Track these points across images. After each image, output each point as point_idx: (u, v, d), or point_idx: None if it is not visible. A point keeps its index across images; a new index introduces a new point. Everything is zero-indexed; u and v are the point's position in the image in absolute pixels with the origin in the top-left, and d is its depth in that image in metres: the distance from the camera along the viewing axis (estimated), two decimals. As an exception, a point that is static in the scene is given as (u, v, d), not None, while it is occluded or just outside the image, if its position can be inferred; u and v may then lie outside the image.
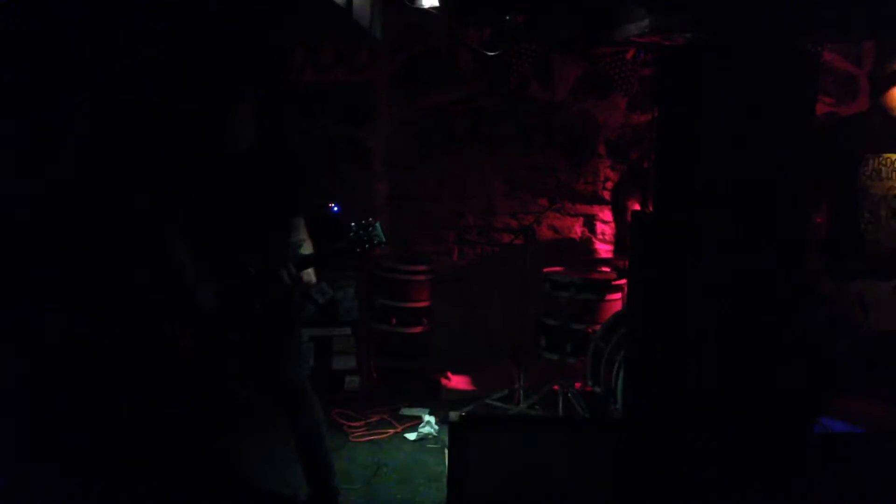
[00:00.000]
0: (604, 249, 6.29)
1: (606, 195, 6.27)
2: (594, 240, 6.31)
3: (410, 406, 5.13)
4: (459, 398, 5.27)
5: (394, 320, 5.63)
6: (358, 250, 3.28)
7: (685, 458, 2.82)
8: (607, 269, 5.55)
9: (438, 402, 5.25)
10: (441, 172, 6.17)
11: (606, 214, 6.28)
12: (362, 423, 4.84)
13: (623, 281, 5.18)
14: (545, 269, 5.49)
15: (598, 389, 4.87)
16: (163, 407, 4.05)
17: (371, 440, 4.61)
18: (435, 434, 4.66)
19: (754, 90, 2.48)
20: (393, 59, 5.91)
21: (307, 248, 3.40)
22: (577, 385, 5.09)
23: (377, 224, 3.30)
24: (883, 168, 3.28)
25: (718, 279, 2.56)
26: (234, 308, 3.29)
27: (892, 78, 3.20)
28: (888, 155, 3.25)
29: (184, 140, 3.59)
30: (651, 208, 2.73)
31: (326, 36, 5.41)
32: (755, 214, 2.53)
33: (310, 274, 3.39)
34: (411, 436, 4.66)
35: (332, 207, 5.37)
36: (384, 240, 3.30)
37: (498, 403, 5.09)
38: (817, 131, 2.92)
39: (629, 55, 5.75)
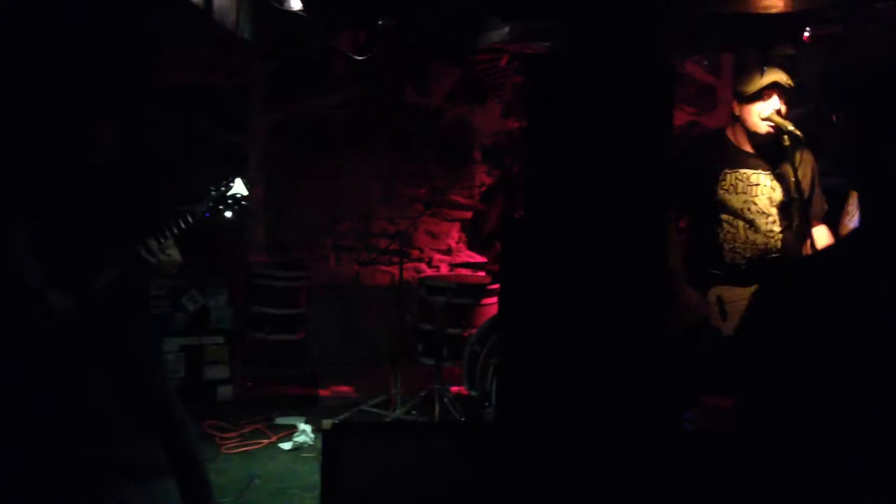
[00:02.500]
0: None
1: (482, 200, 6.38)
2: (471, 245, 6.40)
3: (286, 415, 5.04)
4: (336, 405, 5.23)
5: (269, 328, 5.53)
6: (220, 208, 3.25)
7: (555, 459, 2.87)
8: (483, 274, 5.63)
9: (315, 410, 5.19)
10: (318, 178, 6.11)
11: (483, 219, 6.38)
12: (235, 434, 4.72)
13: (497, 285, 5.26)
14: (422, 275, 5.52)
15: (474, 393, 4.92)
16: (17, 419, 3.82)
17: (244, 451, 4.50)
18: (310, 443, 4.60)
19: (614, 99, 2.55)
20: (268, 63, 5.81)
21: (174, 253, 3.29)
22: (454, 389, 5.13)
23: (238, 179, 3.28)
24: (739, 182, 3.44)
25: (580, 285, 2.62)
26: (87, 316, 3.16)
27: (759, 92, 3.30)
28: (744, 170, 3.42)
29: (40, 148, 3.42)
30: (520, 213, 2.77)
31: (190, 37, 5.26)
32: (616, 220, 2.61)
33: (172, 254, 3.27)
34: (286, 445, 4.58)
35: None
36: (247, 194, 3.31)
37: (375, 410, 5.07)
38: (678, 143, 3.03)
39: (503, 62, 5.86)
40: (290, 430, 4.75)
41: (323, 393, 5.47)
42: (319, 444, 4.46)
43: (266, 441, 4.64)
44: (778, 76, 3.31)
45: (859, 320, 1.31)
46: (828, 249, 1.59)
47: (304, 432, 4.66)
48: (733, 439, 1.51)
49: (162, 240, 3.17)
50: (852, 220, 3.71)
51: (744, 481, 1.44)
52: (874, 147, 1.38)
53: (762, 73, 3.33)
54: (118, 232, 3.22)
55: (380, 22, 3.92)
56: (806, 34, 3.85)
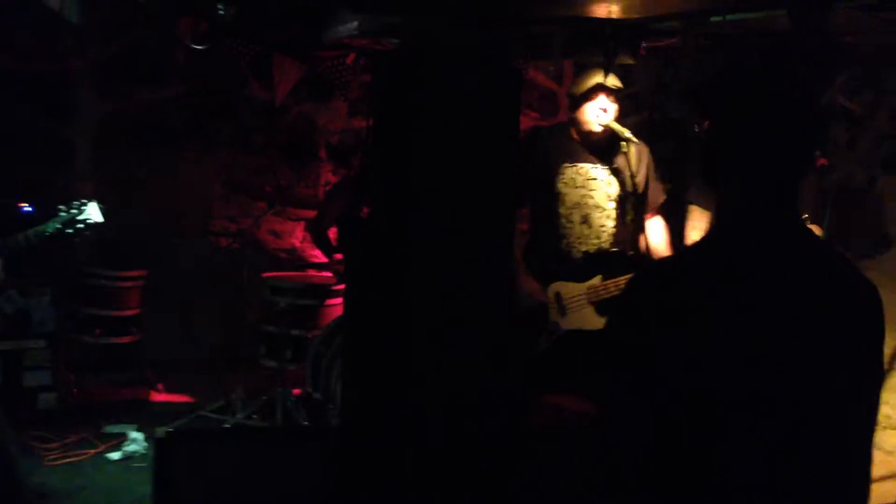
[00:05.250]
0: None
1: (328, 199, 6.28)
2: (316, 244, 6.29)
3: (116, 423, 4.77)
4: (172, 411, 5.00)
5: (98, 331, 5.23)
6: (69, 231, 3.02)
7: (400, 461, 2.84)
8: (328, 274, 5.53)
9: (148, 417, 4.94)
10: (155, 172, 5.83)
11: (327, 219, 6.29)
12: (59, 444, 4.42)
13: (343, 286, 5.19)
14: (264, 275, 5.36)
15: (318, 395, 4.82)
16: None
17: (69, 462, 4.23)
18: (143, 452, 4.38)
19: (459, 100, 2.55)
20: (102, 49, 5.48)
21: None
22: (297, 391, 5.01)
23: (92, 203, 3.07)
24: (578, 176, 3.55)
25: (425, 283, 2.60)
26: None
27: (586, 93, 3.50)
28: (582, 164, 3.53)
29: None
30: (364, 213, 2.73)
31: (7, 19, 4.89)
32: (463, 220, 2.61)
33: None
34: (115, 455, 4.33)
35: (23, 207, 4.87)
36: (102, 220, 3.09)
37: (213, 415, 4.87)
38: (522, 140, 3.10)
39: (349, 59, 5.79)
40: (120, 439, 4.50)
41: (157, 398, 5.24)
42: (152, 454, 4.25)
43: (93, 451, 4.39)
44: (602, 78, 3.52)
45: (722, 316, 1.36)
46: (692, 249, 1.65)
47: (136, 441, 4.43)
48: (601, 433, 1.51)
49: None
50: (698, 232, 3.90)
51: (611, 476, 1.45)
52: (737, 157, 1.43)
53: (588, 75, 3.57)
54: None
55: (220, 11, 3.76)
56: (643, 46, 4.03)
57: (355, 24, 3.89)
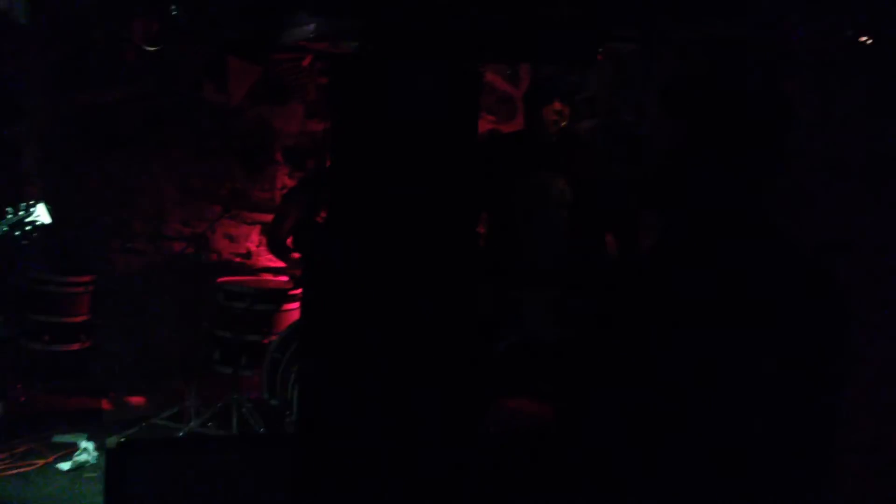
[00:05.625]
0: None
1: (285, 203, 6.22)
2: (272, 248, 6.21)
3: (65, 432, 4.66)
4: (124, 420, 4.90)
5: (47, 338, 5.11)
6: (16, 234, 2.94)
7: (358, 467, 2.82)
8: (285, 278, 5.47)
9: (100, 426, 4.83)
10: (106, 175, 5.71)
11: (284, 223, 6.22)
12: (6, 454, 4.30)
13: (300, 290, 5.14)
14: (220, 279, 5.28)
15: (274, 402, 4.77)
16: None
17: (16, 474, 4.12)
18: (93, 462, 4.28)
19: (419, 103, 2.54)
20: (49, 49, 5.35)
21: None
22: (253, 398, 4.95)
23: (40, 205, 2.99)
24: (534, 183, 3.56)
25: (383, 288, 2.59)
26: None
27: (541, 98, 3.53)
28: (538, 171, 3.54)
29: None
30: (322, 216, 2.70)
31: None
32: (421, 224, 2.60)
33: None
34: (65, 465, 4.23)
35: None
36: (50, 221, 3.01)
37: (167, 423, 4.78)
38: (480, 146, 3.10)
39: (306, 62, 5.74)
40: (70, 449, 4.39)
41: (109, 407, 5.13)
42: (103, 464, 4.16)
43: (42, 461, 4.28)
44: (556, 83, 3.55)
45: (688, 316, 1.37)
46: (660, 254, 1.66)
47: (86, 450, 4.33)
48: (575, 433, 1.51)
49: None
50: (653, 235, 3.93)
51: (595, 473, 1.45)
52: (710, 152, 1.44)
53: (543, 80, 3.60)
54: None
55: (173, 12, 3.70)
56: (599, 51, 4.06)
57: (312, 26, 3.86)
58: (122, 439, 2.99)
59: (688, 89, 1.56)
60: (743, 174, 1.45)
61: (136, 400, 5.30)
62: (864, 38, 3.42)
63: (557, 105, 3.56)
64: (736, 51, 3.67)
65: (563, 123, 3.56)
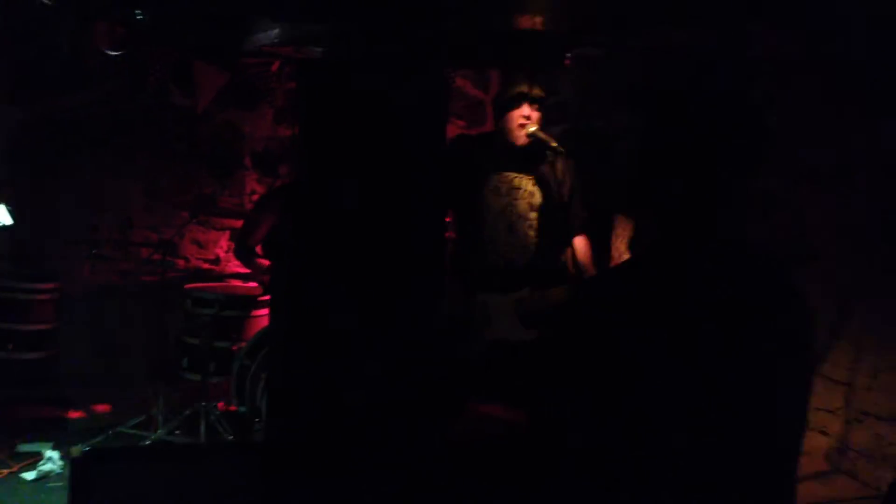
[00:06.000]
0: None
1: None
2: (241, 254, 6.16)
3: (30, 441, 4.57)
4: (90, 428, 4.82)
5: (11, 346, 5.02)
6: None
7: (327, 474, 2.80)
8: (253, 284, 5.43)
9: (65, 434, 4.75)
10: (72, 181, 5.63)
11: (253, 228, 6.17)
12: (-32, 465, 4.23)
13: (269, 297, 5.10)
14: (187, 286, 5.23)
15: (243, 409, 4.72)
16: None
17: (-21, 484, 4.04)
18: (59, 471, 4.19)
19: (387, 107, 2.53)
20: (10, 54, 5.27)
21: None
22: (222, 406, 4.90)
23: (0, 206, 2.93)
24: (503, 185, 3.57)
25: (352, 292, 2.58)
26: None
27: (510, 102, 3.54)
28: (507, 173, 3.55)
29: None
30: (291, 224, 2.68)
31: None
32: (390, 228, 2.59)
33: None
34: (29, 475, 4.15)
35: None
36: (11, 223, 2.96)
37: (133, 431, 4.72)
38: (447, 147, 3.10)
39: (275, 67, 5.71)
40: (35, 458, 4.31)
41: (74, 415, 5.04)
42: (68, 474, 4.09)
43: (6, 471, 4.19)
44: (525, 88, 3.56)
45: (664, 324, 1.37)
46: (632, 262, 1.67)
47: (51, 460, 4.25)
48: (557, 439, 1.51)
49: None
50: (623, 241, 3.94)
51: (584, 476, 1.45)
52: (685, 160, 1.45)
53: (513, 84, 3.60)
54: None
55: (138, 16, 3.65)
56: (568, 56, 4.08)
57: (276, 31, 3.84)
58: (88, 448, 2.94)
59: (656, 94, 1.56)
60: (711, 180, 1.45)
61: (103, 408, 5.22)
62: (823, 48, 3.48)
63: (526, 109, 3.57)
64: (705, 57, 3.71)
65: (533, 128, 3.57)
